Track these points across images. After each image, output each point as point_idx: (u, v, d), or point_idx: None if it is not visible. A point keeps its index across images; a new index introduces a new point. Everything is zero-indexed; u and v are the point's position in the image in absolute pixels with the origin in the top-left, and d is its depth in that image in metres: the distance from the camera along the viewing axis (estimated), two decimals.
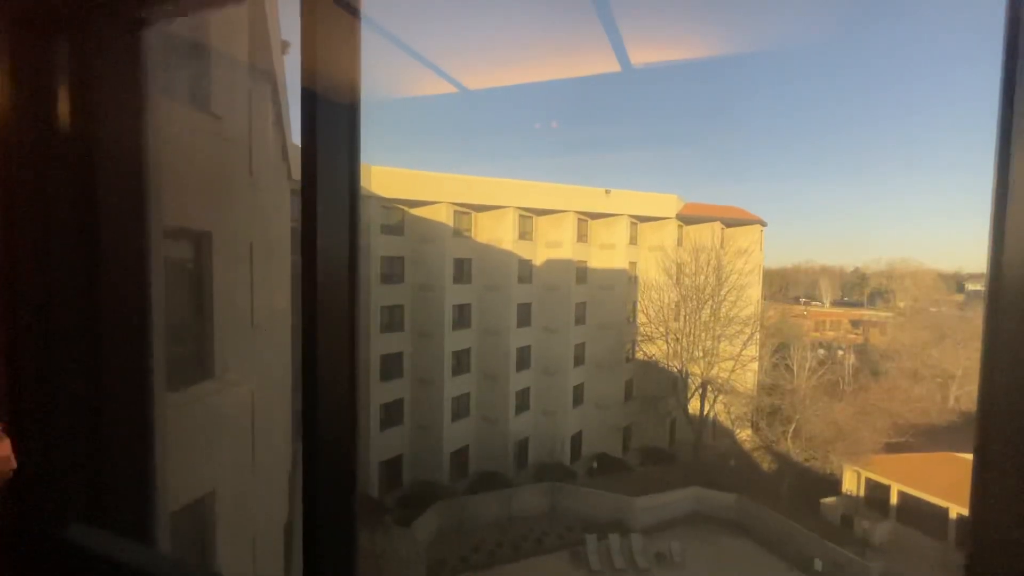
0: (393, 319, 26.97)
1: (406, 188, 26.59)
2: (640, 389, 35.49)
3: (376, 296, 25.64)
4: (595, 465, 30.41)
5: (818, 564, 22.69)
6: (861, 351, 51.01)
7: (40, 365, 1.61)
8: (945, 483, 24.50)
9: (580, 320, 32.72)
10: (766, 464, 30.62)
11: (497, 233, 29.55)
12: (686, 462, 31.99)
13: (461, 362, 28.83)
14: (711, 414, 33.75)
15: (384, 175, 25.82)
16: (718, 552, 24.34)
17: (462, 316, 28.89)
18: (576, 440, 33.00)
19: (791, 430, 28.86)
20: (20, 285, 1.58)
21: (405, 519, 22.70)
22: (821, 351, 59.49)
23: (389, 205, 26.66)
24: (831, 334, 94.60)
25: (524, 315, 30.66)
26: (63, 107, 1.60)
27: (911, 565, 22.61)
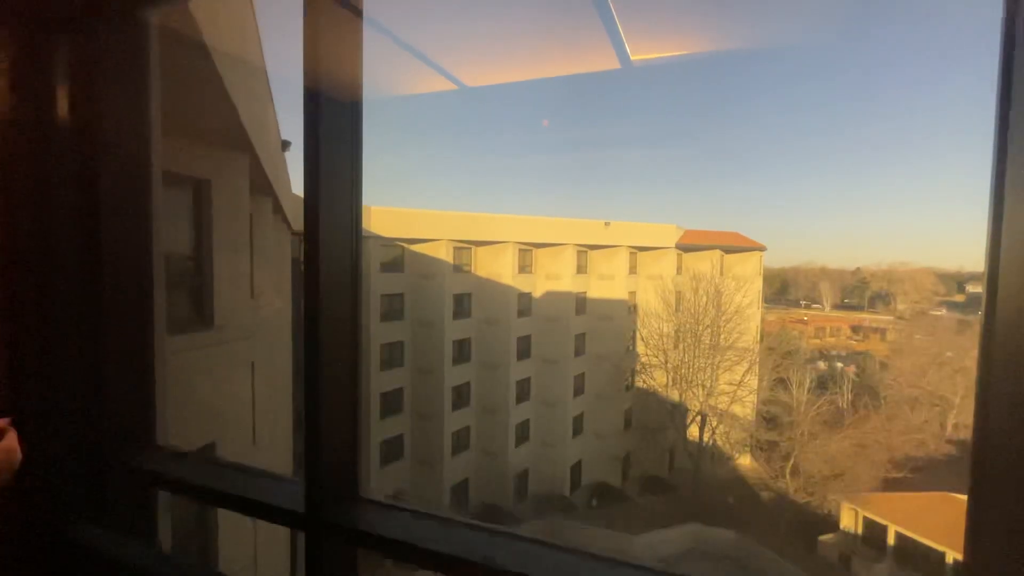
0: (393, 355, 26.98)
1: (406, 227, 26.52)
2: (639, 418, 35.40)
3: (377, 333, 25.56)
4: (595, 502, 30.26)
5: None
6: (861, 363, 50.80)
7: (43, 323, 1.65)
8: (941, 524, 24.32)
9: (580, 351, 32.68)
10: (764, 499, 30.46)
11: (497, 267, 29.49)
12: (685, 494, 31.87)
13: (461, 396, 28.81)
14: (710, 443, 33.60)
15: (383, 215, 25.74)
16: None
17: (462, 351, 28.87)
18: (576, 469, 32.92)
19: (789, 467, 28.67)
20: (20, 249, 1.62)
21: None
22: (821, 364, 59.73)
23: (389, 243, 26.56)
24: (831, 340, 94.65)
25: (524, 347, 30.63)
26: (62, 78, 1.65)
27: None
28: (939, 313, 48.76)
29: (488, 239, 29.08)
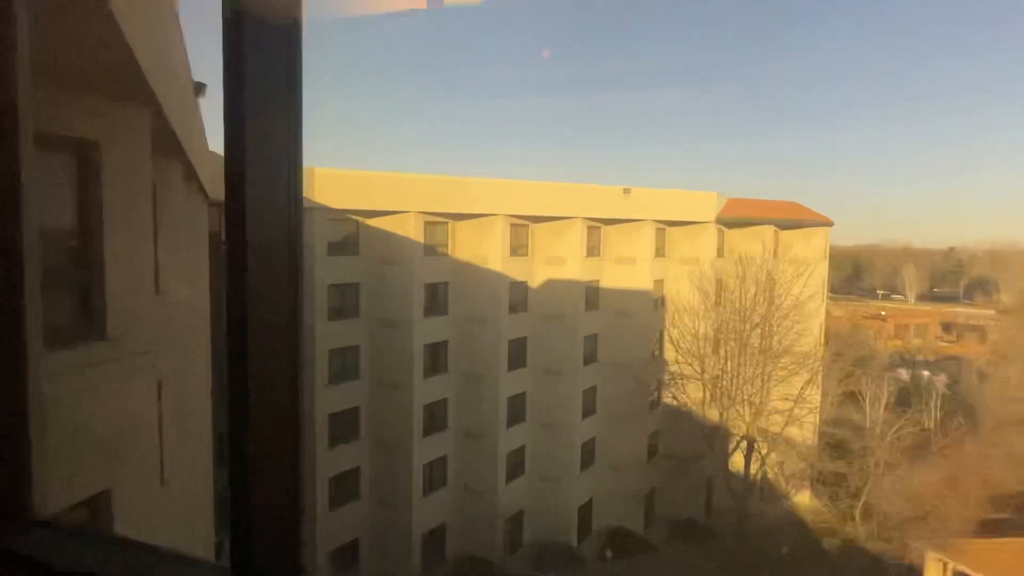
0: (346, 365, 26.99)
1: (361, 195, 26.34)
2: (668, 445, 35.72)
3: (323, 336, 25.54)
4: (610, 553, 30.68)
5: None
6: (954, 372, 51.70)
7: None
8: None
9: (591, 358, 32.95)
10: (829, 549, 31.00)
11: (482, 248, 29.53)
12: (727, 543, 32.34)
13: (435, 417, 29.01)
14: (760, 476, 34.10)
15: (332, 180, 25.54)
16: None
17: (436, 358, 29.02)
18: (585, 511, 33.30)
19: (860, 506, 29.22)
20: None
21: None
22: (903, 373, 60.70)
23: (339, 217, 26.43)
24: (916, 342, 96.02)
25: (518, 353, 30.83)
26: None
27: None
28: None
29: (470, 211, 29.03)
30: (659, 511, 36.01)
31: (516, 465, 31.28)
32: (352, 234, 27.19)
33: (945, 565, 27.70)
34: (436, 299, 28.81)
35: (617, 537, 32.25)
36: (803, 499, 36.69)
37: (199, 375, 12.68)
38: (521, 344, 31.14)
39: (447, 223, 29.28)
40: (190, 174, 11.82)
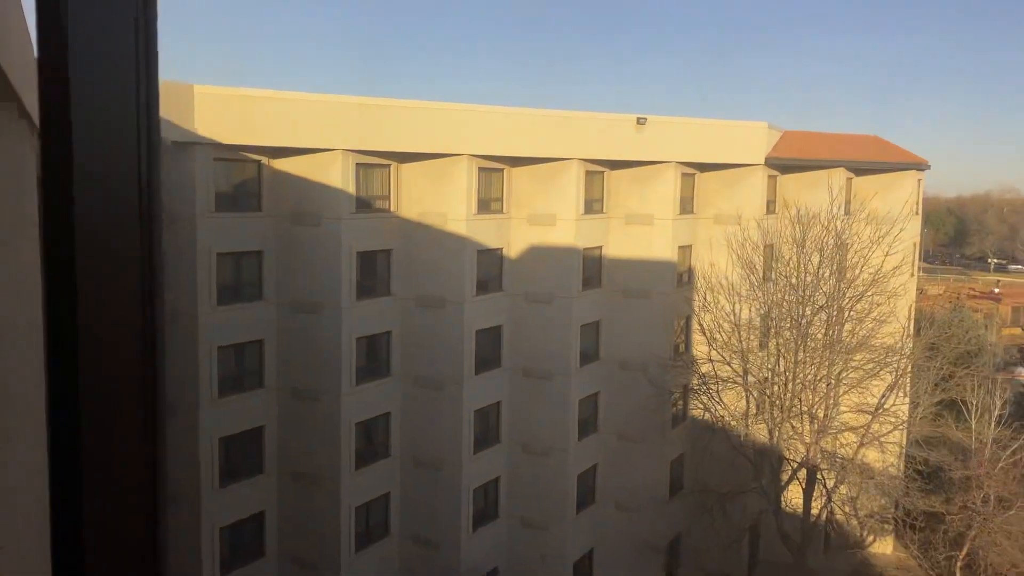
0: (245, 367, 26.67)
1: (264, 125, 25.63)
2: (697, 475, 35.61)
3: (210, 328, 24.95)
4: None
5: None
6: None
7: None
8: None
9: (590, 355, 33.01)
10: None
11: (439, 202, 29.20)
12: None
13: (374, 440, 28.87)
14: (824, 517, 34.05)
15: (221, 103, 24.78)
16: None
17: (375, 357, 28.78)
18: (584, 567, 33.41)
19: (962, 558, 29.16)
20: None
21: None
22: (1021, 372, 61.13)
23: (232, 157, 25.82)
24: None
25: (490, 349, 30.76)
26: None
27: None
28: None
29: (421, 149, 28.52)
30: (685, 567, 36.00)
31: (487, 505, 31.39)
32: (252, 181, 26.71)
33: None
34: (374, 273, 28.60)
35: None
36: (884, 549, 36.70)
37: (26, 403, 11.77)
38: (494, 336, 31.05)
39: (389, 166, 28.84)
40: (23, 112, 10.98)
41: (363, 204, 28.07)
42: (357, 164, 27.50)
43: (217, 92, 24.83)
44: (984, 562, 29.64)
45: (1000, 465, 32.15)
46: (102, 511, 1.38)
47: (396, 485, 29.67)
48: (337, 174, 26.80)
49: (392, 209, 29.12)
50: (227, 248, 25.71)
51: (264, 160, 26.71)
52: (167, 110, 23.73)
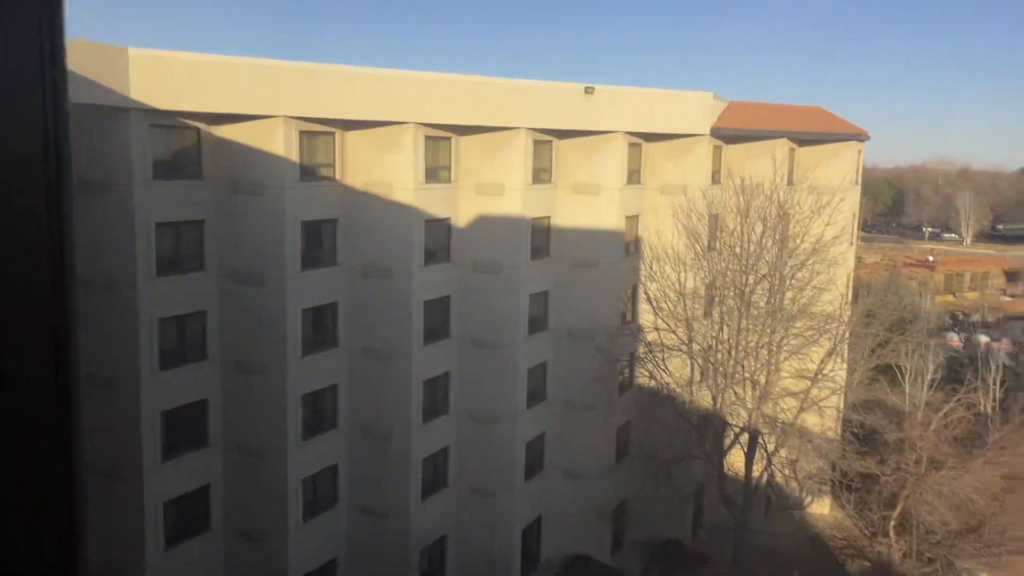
0: (185, 341, 26.00)
1: (203, 90, 24.77)
2: (644, 442, 36.01)
3: (151, 300, 24.23)
4: None
5: None
6: (1019, 337, 53.74)
7: None
8: None
9: (539, 324, 32.91)
10: (853, 573, 32.00)
11: (385, 171, 28.65)
12: (721, 571, 32.95)
13: (321, 411, 28.47)
14: (765, 480, 34.76)
15: (158, 67, 23.82)
16: None
17: (321, 328, 28.32)
18: (532, 534, 33.55)
19: (895, 517, 30.07)
20: None
21: None
22: (954, 338, 63.05)
23: (170, 123, 24.95)
24: (972, 296, 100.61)
25: (438, 319, 30.52)
26: None
27: None
28: None
29: (366, 116, 27.93)
30: (632, 531, 36.47)
31: (436, 474, 31.22)
32: (191, 148, 25.85)
33: None
34: (320, 243, 28.01)
35: (575, 568, 32.49)
36: (822, 509, 37.70)
37: None
38: (443, 306, 30.78)
39: (333, 134, 28.19)
40: None
41: (307, 172, 27.35)
42: (300, 131, 26.80)
43: (153, 56, 23.80)
44: (916, 520, 30.56)
45: (932, 427, 33.09)
46: (15, 489, 1.35)
47: (344, 456, 29.35)
48: (279, 142, 26.08)
49: (337, 178, 28.46)
50: (166, 217, 24.86)
51: (203, 127, 25.82)
52: (101, 74, 22.78)
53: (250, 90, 25.56)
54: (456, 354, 31.46)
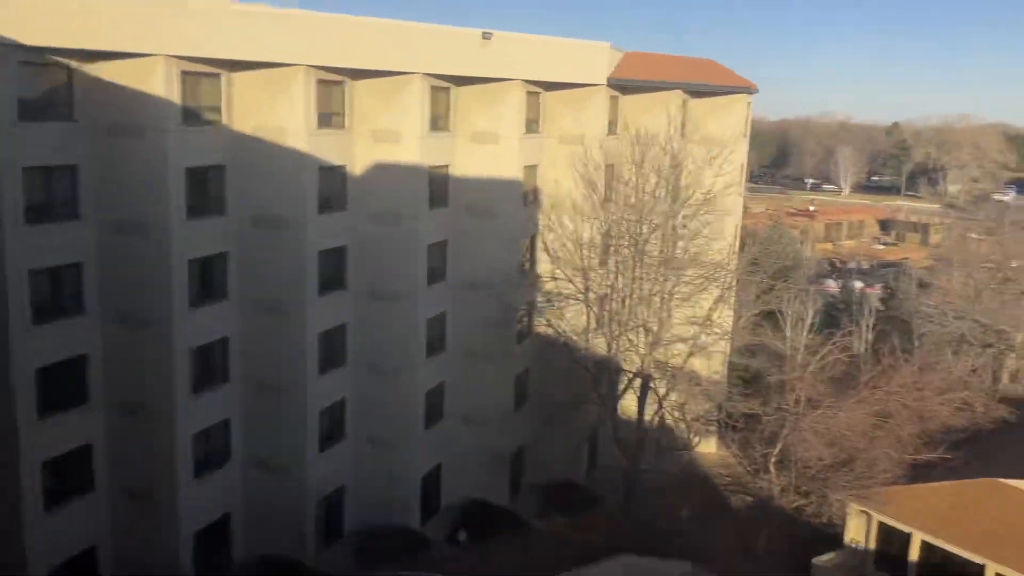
0: (61, 294, 24.56)
1: (75, 25, 22.86)
2: (541, 389, 36.45)
3: (17, 249, 22.64)
4: (464, 535, 31.16)
5: None
6: (892, 282, 56.67)
7: None
8: (984, 526, 28.52)
9: (437, 274, 32.64)
10: (736, 508, 33.47)
11: (275, 115, 27.44)
12: (613, 508, 33.96)
13: (211, 365, 27.47)
14: (656, 422, 35.80)
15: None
16: None
17: (210, 279, 27.12)
18: (432, 481, 33.73)
19: (775, 454, 31.50)
20: None
21: None
22: (832, 285, 66.22)
23: (37, 60, 23.02)
24: (849, 245, 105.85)
25: (333, 270, 29.82)
26: None
27: None
28: (1006, 198, 55.23)
29: (253, 57, 26.42)
30: (529, 475, 37.11)
31: (333, 426, 30.85)
32: (62, 88, 23.96)
33: (869, 518, 30.86)
34: (205, 191, 26.60)
35: (474, 512, 32.84)
36: (708, 449, 39.23)
37: None
38: (338, 256, 30.07)
39: (219, 76, 26.64)
40: None
41: (191, 116, 25.70)
42: (182, 72, 25.10)
43: None
44: (794, 457, 32.07)
45: (810, 369, 34.60)
46: None
47: (238, 411, 28.47)
48: (159, 82, 24.36)
49: (225, 122, 26.97)
50: (34, 161, 23.03)
51: (76, 65, 23.95)
52: None
53: (124, 26, 23.68)
54: (353, 305, 30.84)
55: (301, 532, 29.22)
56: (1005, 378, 44.67)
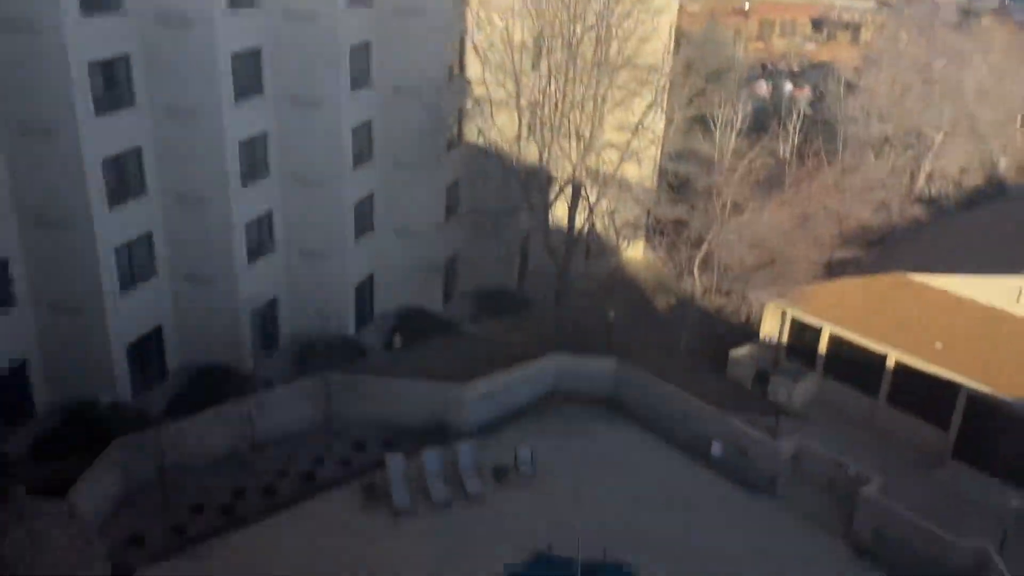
0: None
1: None
2: (472, 198, 36.16)
3: None
4: (398, 340, 31.68)
5: (716, 449, 27.80)
6: (820, 83, 56.57)
7: None
8: (891, 318, 30.32)
9: (361, 79, 31.15)
10: (661, 308, 34.73)
11: None
12: (543, 312, 34.89)
13: (124, 177, 26.10)
14: (586, 229, 36.15)
15: None
16: (586, 451, 28.33)
17: (112, 82, 25.21)
18: (365, 291, 33.92)
19: (700, 257, 32.29)
20: None
21: (57, 473, 22.08)
22: (764, 87, 65.69)
23: None
24: (780, 44, 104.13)
25: (248, 74, 28.16)
26: None
27: (830, 434, 28.89)
28: None
29: None
30: (462, 284, 37.58)
31: (261, 238, 30.31)
32: None
33: (784, 314, 32.44)
34: None
35: (408, 319, 33.32)
36: (636, 254, 40.10)
37: None
38: (252, 60, 28.21)
39: None
40: None
41: None
42: None
43: None
44: (718, 259, 33.02)
45: (737, 174, 34.85)
46: None
47: (159, 224, 27.43)
48: None
49: None
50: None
51: None
52: None
53: None
54: (273, 113, 29.34)
55: (237, 342, 29.32)
56: (921, 179, 46.04)
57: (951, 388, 27.99)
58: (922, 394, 28.88)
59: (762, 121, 47.23)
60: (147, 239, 27.28)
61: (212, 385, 27.52)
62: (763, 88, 63.66)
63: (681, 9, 46.73)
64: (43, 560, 18.77)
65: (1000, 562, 21.68)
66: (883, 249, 35.48)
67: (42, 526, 19.40)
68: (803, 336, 32.13)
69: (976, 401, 27.49)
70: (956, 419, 28.14)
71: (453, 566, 22.63)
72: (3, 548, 18.25)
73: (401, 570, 22.55)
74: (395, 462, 26.18)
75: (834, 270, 34.01)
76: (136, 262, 27.02)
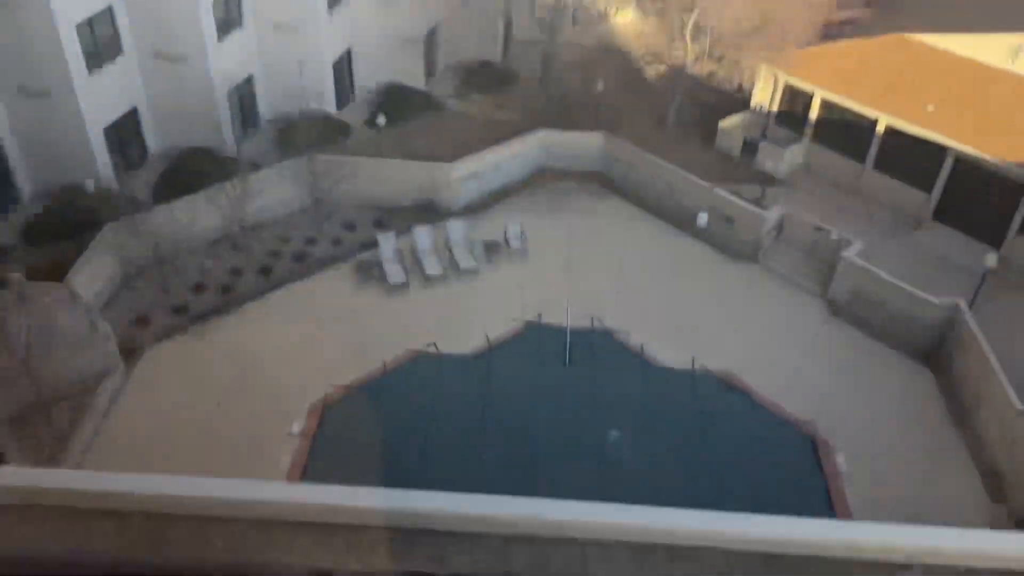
0: None
1: None
2: None
3: None
4: (382, 119, 30.81)
5: (702, 219, 28.12)
6: None
7: None
8: (882, 82, 29.50)
9: None
10: (649, 77, 33.59)
11: None
12: (529, 85, 33.85)
13: None
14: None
15: None
16: (575, 226, 28.60)
17: None
18: (344, 67, 32.76)
19: (691, 21, 30.68)
20: None
21: (50, 258, 22.29)
22: None
23: None
24: None
25: None
26: None
27: (814, 201, 29.12)
28: None
29: None
30: (446, 54, 36.19)
31: (229, 12, 28.64)
32: None
33: (775, 80, 31.49)
34: None
35: (391, 96, 32.28)
36: (626, 19, 38.13)
37: None
38: None
39: None
40: None
41: None
42: None
43: None
44: (710, 22, 31.30)
45: None
46: None
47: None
48: None
49: None
50: None
51: None
52: None
53: None
54: None
55: (215, 122, 28.53)
56: None
57: (939, 151, 27.78)
58: (910, 158, 28.67)
59: None
60: (108, 13, 25.64)
61: (195, 167, 27.05)
62: None
63: None
64: (52, 341, 19.34)
65: (970, 316, 22.64)
66: (883, 8, 33.75)
67: (45, 308, 19.82)
68: (794, 103, 31.37)
69: (962, 163, 27.41)
70: (940, 182, 28.18)
71: (450, 333, 23.37)
72: (11, 329, 18.70)
73: (398, 339, 23.32)
74: (386, 240, 26.45)
75: (831, 32, 32.60)
76: (100, 39, 25.58)
